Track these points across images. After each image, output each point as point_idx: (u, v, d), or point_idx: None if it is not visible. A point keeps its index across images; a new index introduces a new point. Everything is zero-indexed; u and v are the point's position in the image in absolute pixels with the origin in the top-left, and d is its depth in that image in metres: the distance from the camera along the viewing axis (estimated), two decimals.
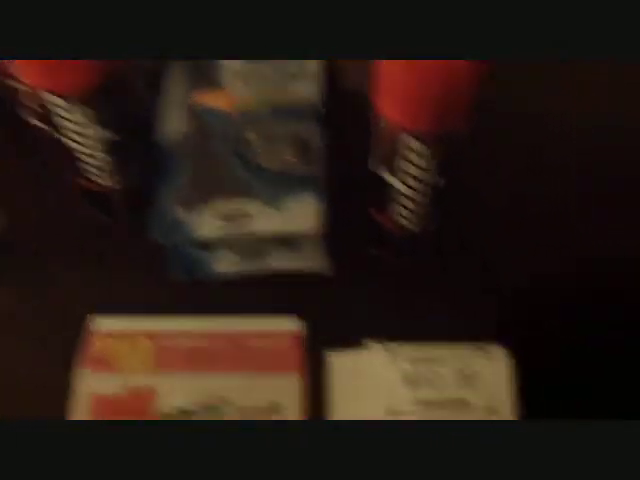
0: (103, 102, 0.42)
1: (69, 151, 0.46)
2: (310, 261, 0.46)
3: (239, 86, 0.49)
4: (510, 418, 0.41)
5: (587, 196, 0.52)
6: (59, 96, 0.41)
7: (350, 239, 0.48)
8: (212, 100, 0.48)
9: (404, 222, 0.44)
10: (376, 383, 0.42)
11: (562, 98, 0.55)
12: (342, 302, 0.46)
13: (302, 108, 0.48)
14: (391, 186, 0.42)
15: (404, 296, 0.47)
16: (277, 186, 0.44)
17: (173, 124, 0.48)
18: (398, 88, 0.37)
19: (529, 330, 0.45)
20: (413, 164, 0.40)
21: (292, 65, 0.49)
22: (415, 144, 0.39)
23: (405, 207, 0.43)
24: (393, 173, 0.41)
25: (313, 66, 0.50)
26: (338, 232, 0.47)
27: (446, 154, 0.40)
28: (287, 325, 0.46)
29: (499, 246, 0.48)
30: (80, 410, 0.43)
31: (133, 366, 0.45)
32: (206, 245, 0.46)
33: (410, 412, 0.41)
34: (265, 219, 0.43)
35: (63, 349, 0.45)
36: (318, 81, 0.49)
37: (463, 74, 0.36)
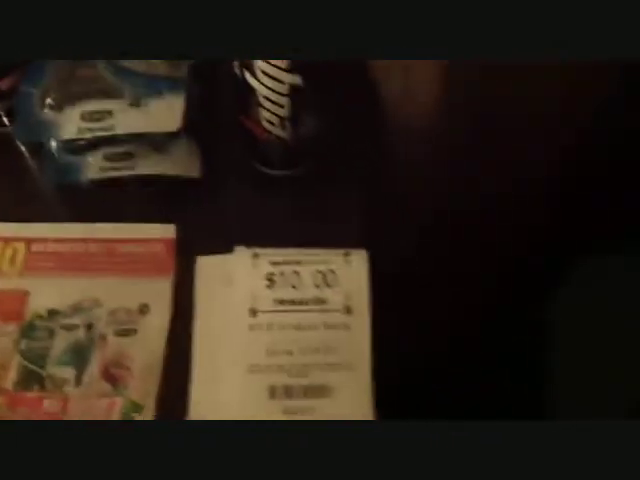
0: None
1: None
2: (178, 165, 0.46)
3: None
4: (366, 317, 0.42)
5: None
6: None
7: (219, 144, 0.48)
8: None
9: (270, 127, 0.44)
10: (241, 285, 0.43)
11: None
12: (213, 207, 0.46)
13: None
14: (254, 89, 0.42)
15: (275, 202, 0.47)
16: (143, 87, 0.44)
17: None
18: None
19: (391, 238, 0.46)
20: (268, 62, 0.40)
21: None
22: None
23: (269, 111, 0.43)
24: (253, 75, 0.41)
25: None
26: (207, 136, 0.47)
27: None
28: (158, 231, 0.46)
29: (368, 157, 0.49)
30: None
31: (6, 269, 0.46)
32: (75, 150, 0.45)
33: (270, 311, 0.42)
34: (128, 119, 0.43)
35: None
36: None
37: None
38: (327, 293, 0.42)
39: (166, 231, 0.46)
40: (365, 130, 0.51)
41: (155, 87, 0.44)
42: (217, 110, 0.48)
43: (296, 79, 0.41)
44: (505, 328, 0.56)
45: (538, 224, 0.59)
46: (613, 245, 0.56)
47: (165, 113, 0.43)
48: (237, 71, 0.42)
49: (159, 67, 0.45)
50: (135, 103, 0.43)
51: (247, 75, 0.41)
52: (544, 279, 0.58)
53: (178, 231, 0.46)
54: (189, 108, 0.44)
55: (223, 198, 0.47)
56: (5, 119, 0.50)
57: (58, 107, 0.44)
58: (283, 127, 0.44)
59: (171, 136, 0.44)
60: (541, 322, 0.55)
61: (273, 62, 0.39)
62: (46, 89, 0.45)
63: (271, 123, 0.44)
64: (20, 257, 0.46)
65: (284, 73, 0.41)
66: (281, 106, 0.43)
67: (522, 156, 0.58)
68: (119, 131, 0.43)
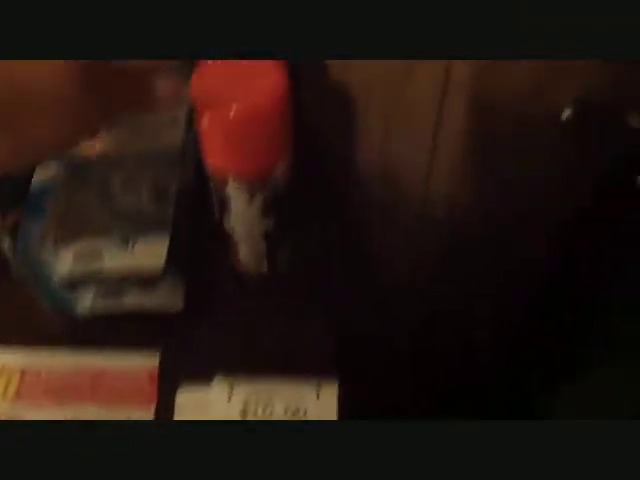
0: None
1: None
2: (163, 298, 0.48)
3: (109, 133, 0.52)
4: None
5: None
6: None
7: (205, 278, 0.51)
8: (82, 146, 0.51)
9: (248, 264, 0.47)
10: (215, 416, 0.45)
11: None
12: (194, 338, 0.49)
13: (164, 154, 0.51)
14: (229, 232, 0.45)
15: (253, 332, 0.49)
16: (130, 228, 0.47)
17: (43, 168, 0.51)
18: (214, 137, 0.40)
19: (363, 367, 0.47)
20: (240, 208, 0.43)
21: (158, 114, 0.53)
22: (239, 189, 0.42)
23: (245, 251, 0.46)
24: (228, 219, 0.44)
25: (181, 114, 0.53)
26: (193, 271, 0.50)
27: (271, 195, 0.43)
28: (142, 361, 0.48)
29: (340, 287, 0.51)
30: None
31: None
32: (67, 286, 0.48)
33: None
34: (116, 257, 0.46)
35: None
36: (181, 129, 0.52)
37: (272, 115, 0.39)
38: None
39: (150, 361, 0.48)
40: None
41: (143, 227, 0.47)
42: (199, 246, 0.51)
43: (269, 222, 0.45)
44: None
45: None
46: None
47: (150, 252, 0.46)
48: (217, 215, 0.45)
49: (148, 207, 0.48)
50: (124, 243, 0.47)
51: (224, 221, 0.45)
52: None
53: (161, 360, 0.48)
54: (173, 245, 0.47)
55: (204, 328, 0.50)
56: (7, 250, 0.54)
57: (56, 247, 0.47)
58: (261, 264, 0.47)
59: (157, 273, 0.47)
60: None
61: (246, 208, 0.43)
62: (45, 228, 0.48)
63: (249, 262, 0.47)
64: (12, 386, 0.48)
65: (258, 218, 0.44)
66: (258, 246, 0.46)
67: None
68: (108, 270, 0.46)
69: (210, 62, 0.40)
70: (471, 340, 0.63)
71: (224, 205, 0.43)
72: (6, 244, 0.52)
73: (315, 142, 0.52)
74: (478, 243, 0.65)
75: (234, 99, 0.38)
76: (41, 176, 0.51)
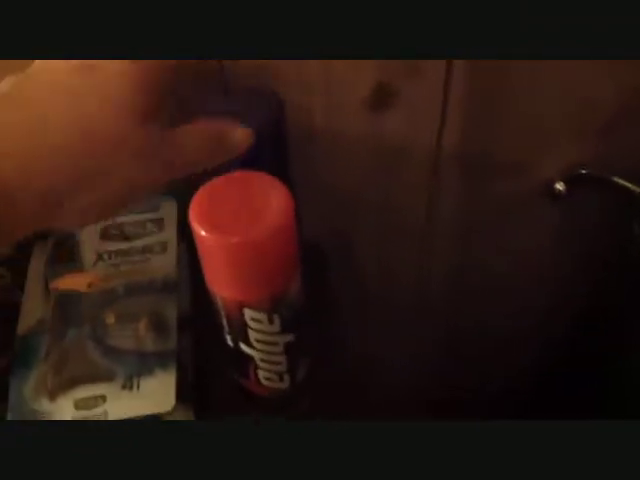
0: None
1: None
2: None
3: (98, 266, 0.50)
4: None
5: None
6: None
7: (217, 407, 0.48)
8: (70, 283, 0.49)
9: (269, 383, 0.45)
10: None
11: None
12: None
13: (157, 281, 0.49)
14: (249, 355, 0.43)
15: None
16: (132, 367, 0.44)
17: (31, 310, 0.49)
18: (222, 267, 0.39)
19: None
20: (261, 331, 0.41)
21: (148, 240, 0.51)
22: (257, 314, 0.40)
23: (267, 370, 0.44)
24: (246, 342, 0.43)
25: (170, 237, 0.52)
26: (204, 402, 0.47)
27: (287, 313, 0.41)
28: None
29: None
30: None
31: None
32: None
33: None
34: (120, 403, 0.43)
35: None
36: (172, 254, 0.51)
37: (282, 244, 0.38)
38: None
39: None
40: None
41: (145, 365, 0.45)
42: (209, 375, 0.49)
43: (289, 337, 0.43)
44: None
45: None
46: None
47: (158, 392, 0.44)
48: (230, 342, 0.43)
49: (147, 343, 0.46)
50: (127, 385, 0.44)
51: (242, 345, 0.43)
52: None
53: None
54: (181, 379, 0.45)
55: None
56: None
57: (51, 397, 0.44)
58: (282, 380, 0.45)
59: (167, 413, 0.44)
60: None
61: (266, 329, 0.41)
62: (37, 378, 0.45)
63: (270, 380, 0.45)
64: None
65: (278, 336, 0.42)
66: (278, 364, 0.44)
67: None
68: (113, 417, 0.43)
69: (209, 186, 0.39)
70: None
71: (240, 330, 0.41)
72: None
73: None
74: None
75: (242, 224, 0.37)
76: (27, 320, 0.48)
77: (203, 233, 0.37)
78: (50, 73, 0.32)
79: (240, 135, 0.36)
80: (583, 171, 0.60)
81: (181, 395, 0.44)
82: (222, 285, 0.40)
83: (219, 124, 0.36)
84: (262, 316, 0.41)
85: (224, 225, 0.37)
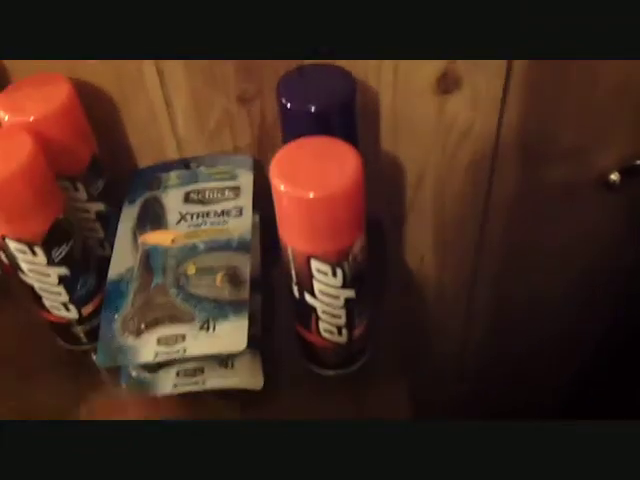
0: (56, 243, 0.50)
1: (31, 289, 0.52)
2: (243, 377, 0.50)
3: (181, 225, 0.56)
4: None
5: None
6: (19, 242, 0.48)
7: (280, 350, 0.53)
8: (156, 238, 0.55)
9: (329, 336, 0.49)
10: None
11: None
12: (273, 408, 0.51)
13: (233, 241, 0.54)
14: (312, 306, 0.48)
15: (329, 402, 0.51)
16: (210, 312, 0.50)
17: (121, 259, 0.55)
18: (296, 220, 0.43)
19: None
20: (325, 283, 0.46)
21: (226, 205, 0.57)
22: (323, 266, 0.45)
23: (328, 323, 0.48)
24: (311, 293, 0.47)
25: (246, 203, 0.57)
26: (268, 344, 0.52)
27: (349, 269, 0.46)
28: None
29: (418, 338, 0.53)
30: None
31: None
32: (149, 368, 0.51)
33: None
34: (198, 342, 0.48)
35: None
36: (248, 219, 0.56)
37: (351, 201, 0.42)
38: None
39: None
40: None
41: (221, 311, 0.50)
42: (275, 318, 0.53)
43: (349, 293, 0.47)
44: None
45: None
46: None
47: (231, 335, 0.49)
48: (296, 293, 0.48)
49: (223, 293, 0.51)
50: (204, 326, 0.49)
51: (307, 296, 0.47)
52: None
53: None
54: (250, 323, 0.50)
55: (282, 399, 0.52)
56: (84, 339, 0.56)
57: (136, 333, 0.49)
58: (340, 334, 0.50)
59: (238, 355, 0.49)
60: None
61: (330, 282, 0.45)
62: (124, 317, 0.51)
63: (329, 332, 0.49)
64: None
65: (339, 290, 0.47)
66: (338, 317, 0.49)
67: None
68: (191, 353, 0.48)
69: (288, 148, 0.44)
70: None
71: (306, 281, 0.46)
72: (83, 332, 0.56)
73: None
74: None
75: (317, 182, 0.42)
76: (117, 268, 0.54)
77: (282, 188, 0.42)
78: None
79: None
80: (638, 162, 0.63)
81: (250, 340, 0.49)
82: (294, 237, 0.44)
83: None
84: (327, 268, 0.45)
85: (301, 182, 0.42)
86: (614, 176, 0.63)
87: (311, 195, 0.41)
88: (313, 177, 0.42)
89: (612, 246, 0.67)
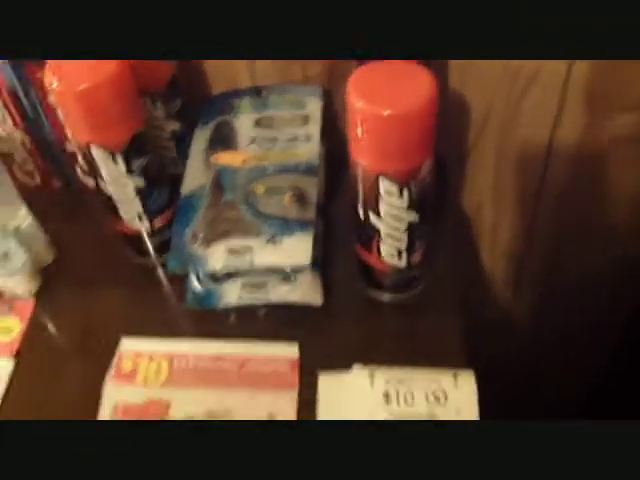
0: (136, 154, 0.52)
1: (109, 199, 0.55)
2: (304, 293, 0.53)
3: (251, 148, 0.58)
4: None
5: None
6: (103, 150, 0.51)
7: (341, 275, 0.55)
8: (227, 159, 0.57)
9: (389, 259, 0.51)
10: (359, 400, 0.48)
11: None
12: (332, 329, 0.53)
13: (301, 165, 0.56)
14: (375, 226, 0.50)
15: (386, 323, 0.53)
16: (277, 228, 0.52)
17: (193, 177, 0.57)
18: (370, 137, 0.45)
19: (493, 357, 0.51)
20: (391, 204, 0.48)
21: (295, 131, 0.59)
22: (391, 185, 0.46)
23: (390, 246, 0.50)
24: (376, 213, 0.49)
25: (314, 131, 0.59)
26: (329, 267, 0.54)
27: (418, 190, 0.47)
28: (284, 350, 0.53)
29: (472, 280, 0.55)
30: (106, 416, 0.51)
31: (151, 382, 0.53)
32: (216, 278, 0.53)
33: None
34: (265, 254, 0.51)
35: (97, 364, 0.53)
36: (315, 144, 0.58)
37: (423, 121, 0.44)
38: (438, 410, 0.47)
39: (291, 350, 0.53)
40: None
41: (288, 227, 0.52)
42: (335, 243, 0.56)
43: (413, 216, 0.49)
44: None
45: None
46: None
47: (296, 249, 0.51)
48: (361, 213, 0.50)
49: (290, 211, 0.53)
50: (271, 240, 0.51)
51: (372, 216, 0.49)
52: None
53: (302, 350, 0.52)
54: (315, 244, 0.52)
55: (339, 321, 0.54)
56: (154, 252, 0.59)
57: (206, 243, 0.52)
58: (399, 258, 0.52)
59: (299, 269, 0.52)
60: None
61: (396, 203, 0.47)
62: (196, 229, 0.54)
63: (390, 255, 0.51)
64: (164, 371, 0.53)
65: (404, 211, 0.48)
66: (400, 240, 0.50)
67: None
68: (257, 264, 0.51)
69: (366, 68, 0.45)
70: None
71: (372, 201, 0.48)
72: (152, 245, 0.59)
73: None
74: None
75: (391, 100, 0.43)
76: (190, 184, 0.57)
77: (359, 105, 0.43)
78: None
79: None
80: None
81: (313, 261, 0.51)
82: (366, 155, 0.46)
83: None
84: (395, 188, 0.47)
85: (377, 99, 0.43)
86: None
87: (386, 112, 0.43)
88: (388, 95, 0.44)
89: None
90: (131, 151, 0.52)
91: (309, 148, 0.57)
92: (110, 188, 0.54)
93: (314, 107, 0.61)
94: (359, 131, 0.45)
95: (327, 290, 0.54)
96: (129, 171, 0.53)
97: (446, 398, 0.47)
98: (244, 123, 0.60)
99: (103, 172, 0.53)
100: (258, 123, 0.60)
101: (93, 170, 0.54)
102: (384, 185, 0.46)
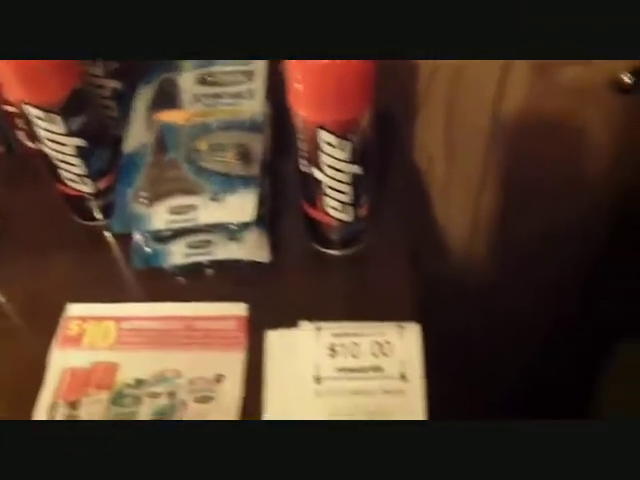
0: (74, 113, 0.51)
1: (50, 161, 0.54)
2: (250, 250, 0.52)
3: (194, 105, 0.57)
4: (419, 383, 0.46)
5: None
6: (38, 108, 0.49)
7: (289, 232, 0.55)
8: (170, 116, 0.56)
9: (333, 212, 0.51)
10: (306, 356, 0.48)
11: None
12: (278, 287, 0.53)
13: (245, 121, 0.55)
14: (318, 180, 0.49)
15: (333, 279, 0.53)
16: (220, 185, 0.51)
17: (136, 136, 0.56)
18: (307, 87, 0.44)
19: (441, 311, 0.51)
20: (332, 156, 0.47)
21: (239, 88, 0.57)
22: (330, 137, 0.46)
23: (333, 199, 0.50)
24: (318, 167, 0.48)
25: (259, 86, 0.58)
26: (275, 225, 0.54)
27: (359, 142, 0.47)
28: (232, 309, 0.52)
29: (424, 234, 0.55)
30: (53, 381, 0.50)
31: (99, 344, 0.52)
32: (161, 239, 0.53)
33: (332, 378, 0.47)
34: (209, 211, 0.50)
35: (45, 329, 0.52)
36: (261, 101, 0.57)
37: (360, 71, 0.43)
38: (384, 362, 0.47)
39: (238, 309, 0.52)
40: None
41: (231, 184, 0.51)
42: (282, 201, 0.55)
43: (356, 168, 0.48)
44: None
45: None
46: None
47: (240, 206, 0.50)
48: (304, 167, 0.49)
49: (234, 168, 0.52)
50: (214, 198, 0.51)
51: (314, 170, 0.48)
52: None
53: (249, 309, 0.52)
54: (260, 201, 0.51)
55: (287, 278, 0.54)
56: (99, 215, 0.58)
57: (149, 203, 0.51)
58: (344, 211, 0.51)
59: (244, 226, 0.51)
60: None
61: (337, 156, 0.47)
62: (139, 188, 0.52)
63: (334, 209, 0.51)
64: (111, 334, 0.53)
65: (346, 164, 0.48)
66: (344, 193, 0.50)
67: None
68: (201, 222, 0.50)
69: None
70: None
71: (314, 154, 0.47)
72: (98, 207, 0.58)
73: None
74: None
75: None
76: (132, 143, 0.56)
77: None
78: None
79: None
80: None
81: (259, 219, 0.51)
82: (304, 105, 0.45)
83: None
84: (335, 141, 0.46)
85: None
86: (627, 78, 0.62)
87: (321, 62, 0.42)
88: None
89: (628, 155, 0.67)
90: (68, 109, 0.51)
91: (254, 104, 0.56)
92: (49, 149, 0.53)
93: (259, 62, 0.60)
94: (297, 81, 0.44)
95: (275, 247, 0.54)
96: (68, 131, 0.51)
97: (392, 350, 0.48)
98: (188, 80, 0.59)
99: (41, 132, 0.51)
100: (202, 80, 0.59)
101: (32, 131, 0.52)
102: (323, 136, 0.46)
